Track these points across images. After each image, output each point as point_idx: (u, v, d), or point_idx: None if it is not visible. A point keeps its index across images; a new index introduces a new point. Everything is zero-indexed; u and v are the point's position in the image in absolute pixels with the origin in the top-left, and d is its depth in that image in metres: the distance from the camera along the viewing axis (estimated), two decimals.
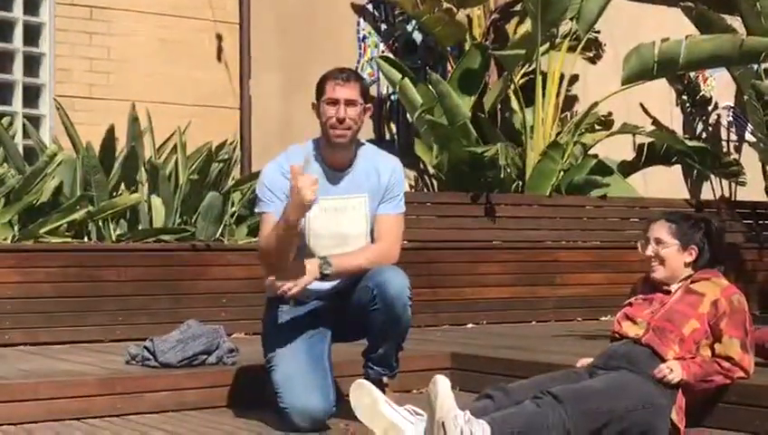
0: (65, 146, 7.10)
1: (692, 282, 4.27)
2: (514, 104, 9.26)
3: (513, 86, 9.12)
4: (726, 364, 4.14)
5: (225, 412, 4.75)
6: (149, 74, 8.56)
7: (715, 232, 4.35)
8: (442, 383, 3.63)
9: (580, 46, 9.16)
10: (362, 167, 4.42)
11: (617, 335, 4.30)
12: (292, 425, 4.22)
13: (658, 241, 4.30)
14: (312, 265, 4.21)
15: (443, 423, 3.60)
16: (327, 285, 4.37)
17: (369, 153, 4.48)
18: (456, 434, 3.58)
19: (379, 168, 4.44)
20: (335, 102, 4.31)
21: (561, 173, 8.64)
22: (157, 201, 6.89)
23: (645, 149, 9.59)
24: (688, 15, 9.49)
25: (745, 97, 9.21)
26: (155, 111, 7.59)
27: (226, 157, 7.36)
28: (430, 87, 8.64)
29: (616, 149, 9.51)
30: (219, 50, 8.92)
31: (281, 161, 4.36)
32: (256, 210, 4.49)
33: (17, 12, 8.29)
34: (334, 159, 4.39)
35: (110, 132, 7.09)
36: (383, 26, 9.82)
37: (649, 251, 4.30)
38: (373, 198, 4.41)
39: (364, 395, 3.89)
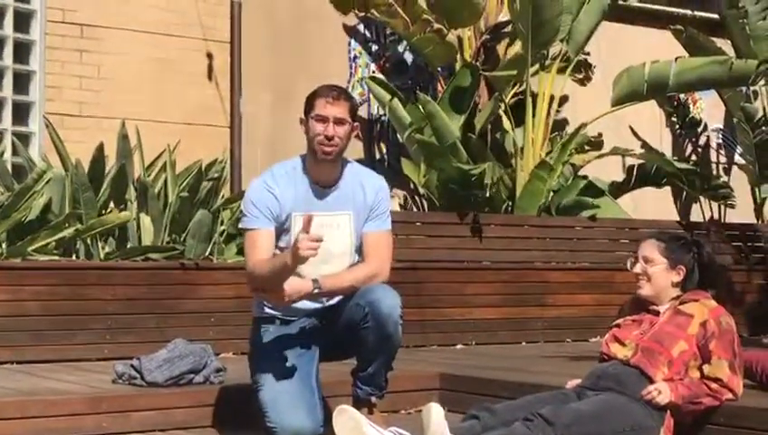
0: (54, 163, 7.07)
1: (681, 303, 4.27)
2: (505, 125, 9.27)
3: (503, 107, 9.14)
4: (715, 386, 4.13)
5: (212, 432, 4.73)
6: (139, 92, 8.54)
7: (707, 256, 4.35)
8: (436, 411, 3.63)
9: (570, 68, 9.19)
10: (348, 184, 4.43)
11: (605, 357, 4.29)
12: None
13: (646, 259, 4.31)
14: (304, 283, 4.20)
15: None
16: (316, 303, 4.37)
17: (355, 171, 4.48)
18: None
19: (364, 185, 4.44)
20: (324, 120, 4.31)
21: (551, 194, 8.64)
22: (146, 219, 6.87)
23: (635, 170, 9.61)
24: (678, 38, 9.55)
25: (735, 119, 9.26)
26: (144, 129, 7.56)
27: (216, 175, 7.35)
28: (420, 107, 8.65)
29: (605, 170, 9.52)
30: (209, 68, 8.92)
31: (265, 178, 4.39)
32: (241, 226, 4.48)
33: (8, 29, 8.28)
34: (320, 175, 4.39)
35: (100, 150, 7.08)
36: (374, 46, 9.83)
37: (637, 268, 4.31)
38: (359, 215, 4.41)
39: (347, 419, 3.87)
